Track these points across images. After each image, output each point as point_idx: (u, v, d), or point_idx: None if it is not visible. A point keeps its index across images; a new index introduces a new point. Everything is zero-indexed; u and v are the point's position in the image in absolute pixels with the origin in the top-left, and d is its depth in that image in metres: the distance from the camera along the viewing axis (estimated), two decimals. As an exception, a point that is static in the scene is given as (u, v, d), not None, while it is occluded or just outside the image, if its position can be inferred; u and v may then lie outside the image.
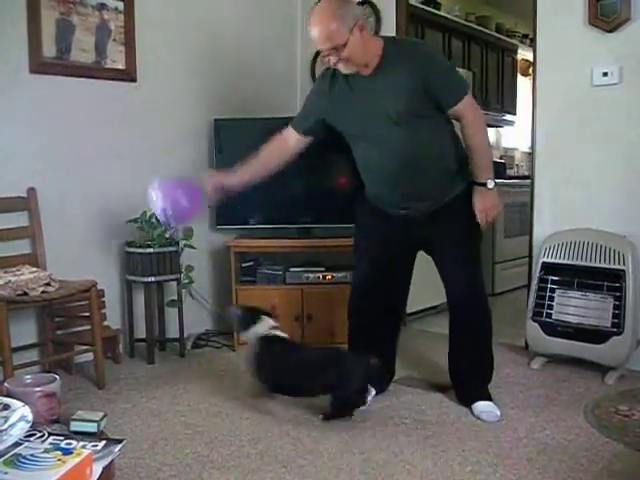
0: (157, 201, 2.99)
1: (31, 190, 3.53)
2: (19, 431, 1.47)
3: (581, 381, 3.40)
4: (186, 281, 3.99)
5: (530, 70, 6.21)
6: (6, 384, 1.85)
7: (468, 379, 3.09)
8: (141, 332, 3.90)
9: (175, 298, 3.95)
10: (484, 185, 2.86)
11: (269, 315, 3.17)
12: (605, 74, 3.55)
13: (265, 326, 3.08)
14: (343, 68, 2.74)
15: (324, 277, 4.12)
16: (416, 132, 2.76)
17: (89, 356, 3.51)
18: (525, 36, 6.81)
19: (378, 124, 2.77)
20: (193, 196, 3.03)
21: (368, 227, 3.05)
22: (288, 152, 3.06)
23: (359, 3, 4.51)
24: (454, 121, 2.90)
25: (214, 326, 4.45)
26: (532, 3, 3.81)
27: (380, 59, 2.75)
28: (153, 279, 3.80)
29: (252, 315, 3.13)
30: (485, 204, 2.88)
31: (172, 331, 4.03)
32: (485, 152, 2.89)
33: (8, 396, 1.68)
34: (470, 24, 5.98)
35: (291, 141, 3.04)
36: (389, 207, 2.96)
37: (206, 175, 3.06)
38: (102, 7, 3.79)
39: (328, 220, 4.19)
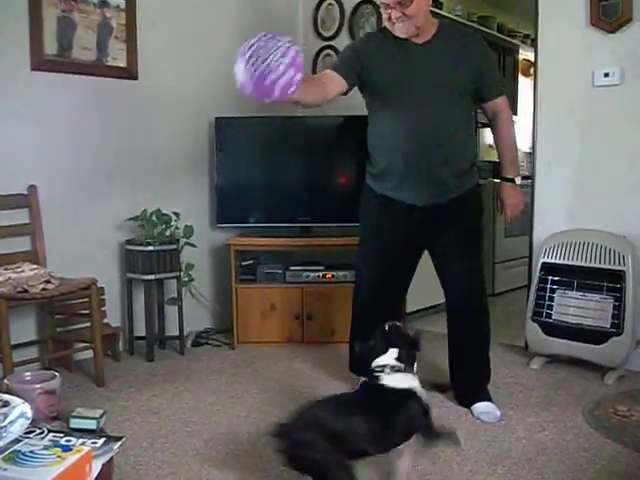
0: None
1: (32, 187, 3.53)
2: (19, 428, 1.47)
3: (580, 381, 3.40)
4: (186, 279, 3.99)
5: (531, 70, 6.20)
6: (6, 381, 1.85)
7: (468, 380, 3.09)
8: (141, 330, 3.90)
9: (175, 296, 3.95)
10: (512, 181, 2.98)
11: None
12: (606, 75, 3.54)
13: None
14: (400, 27, 2.73)
15: (324, 276, 4.13)
16: (450, 111, 2.80)
17: (89, 353, 3.51)
18: (526, 36, 6.80)
19: (420, 92, 2.77)
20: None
21: (375, 227, 3.04)
22: (325, 95, 2.72)
23: (361, 2, 4.53)
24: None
25: (214, 324, 4.45)
26: (534, 3, 3.81)
27: (435, 33, 2.81)
28: (153, 277, 3.80)
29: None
30: (513, 200, 3.00)
31: (172, 329, 4.03)
32: (515, 148, 3.04)
33: (8, 393, 1.68)
34: (472, 24, 5.97)
35: (329, 85, 2.75)
36: (398, 190, 2.91)
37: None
38: (103, 5, 3.79)
39: (328, 219, 4.19)
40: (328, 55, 4.73)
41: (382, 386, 2.15)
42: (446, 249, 2.98)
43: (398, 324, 2.38)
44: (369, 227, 3.08)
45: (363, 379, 2.37)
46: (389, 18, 2.73)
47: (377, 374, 2.18)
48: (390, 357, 2.23)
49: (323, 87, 2.73)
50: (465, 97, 2.86)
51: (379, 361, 2.23)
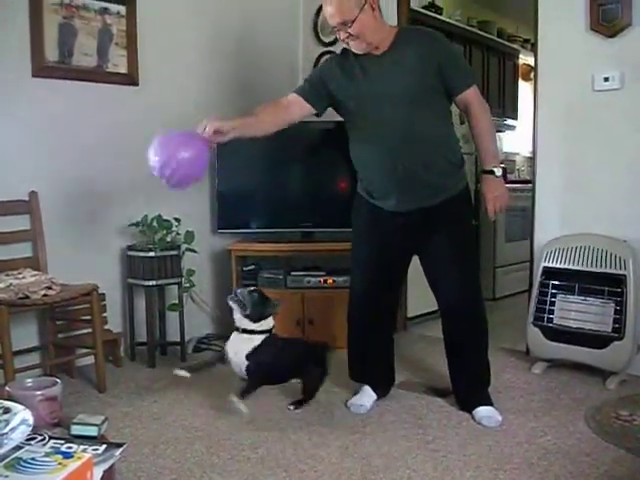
0: (157, 157, 2.62)
1: (33, 193, 3.54)
2: (20, 435, 1.47)
3: (582, 386, 3.40)
4: (187, 285, 3.99)
5: (531, 75, 6.21)
6: (7, 387, 1.85)
7: (468, 385, 3.08)
8: (142, 336, 3.90)
9: (176, 302, 3.96)
10: (492, 173, 2.89)
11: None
12: (606, 79, 3.55)
13: (272, 321, 3.07)
14: (353, 46, 2.78)
15: (325, 281, 4.13)
16: (420, 113, 2.79)
17: (90, 359, 3.51)
18: (526, 41, 6.82)
19: (384, 102, 2.77)
20: (197, 151, 2.66)
21: (365, 233, 3.05)
22: (286, 117, 2.94)
23: (360, 8, 4.52)
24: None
25: (215, 330, 4.45)
26: (533, 8, 3.82)
27: (393, 41, 2.81)
28: (154, 283, 3.80)
29: (265, 305, 3.06)
30: (493, 192, 2.90)
31: (173, 335, 4.03)
32: (492, 138, 2.93)
33: (9, 399, 1.68)
34: (472, 29, 5.99)
35: (292, 107, 2.94)
36: (384, 199, 2.92)
37: (204, 121, 2.74)
38: (104, 11, 3.80)
39: (329, 224, 4.19)
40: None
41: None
42: (435, 254, 2.96)
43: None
44: (359, 233, 3.09)
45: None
46: (340, 38, 2.79)
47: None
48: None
49: (281, 112, 2.93)
50: (433, 97, 2.82)
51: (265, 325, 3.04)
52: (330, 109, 3.02)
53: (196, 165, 2.63)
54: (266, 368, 2.96)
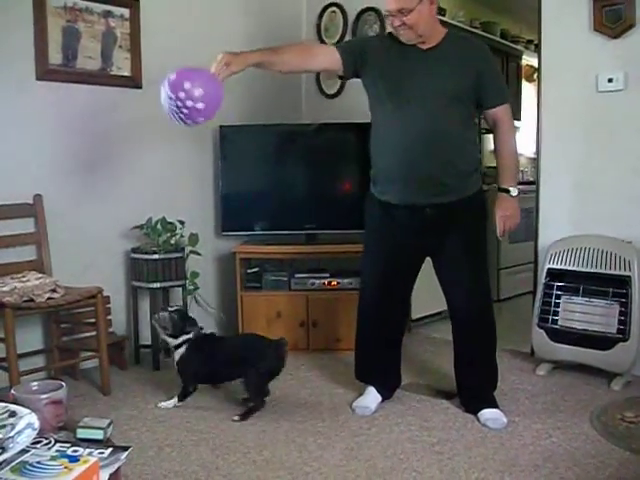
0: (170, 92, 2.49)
1: (37, 197, 3.54)
2: (26, 438, 1.47)
3: (587, 388, 3.39)
4: (191, 287, 4.00)
5: (535, 76, 6.19)
6: (13, 391, 1.85)
7: (474, 387, 3.08)
8: (146, 338, 3.90)
9: (180, 304, 3.95)
10: (507, 192, 2.92)
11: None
12: (610, 80, 3.54)
13: (195, 331, 3.23)
14: (403, 35, 2.78)
15: (329, 283, 4.12)
16: (448, 115, 2.81)
17: (95, 362, 3.51)
18: (529, 42, 6.80)
19: (417, 95, 2.80)
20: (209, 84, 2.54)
21: (378, 233, 3.04)
22: (308, 64, 2.94)
23: (365, 10, 4.53)
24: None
25: (219, 332, 4.45)
26: (537, 9, 3.82)
27: (441, 40, 2.84)
28: (158, 285, 3.80)
29: (185, 323, 3.24)
30: (506, 211, 2.93)
31: (177, 337, 4.02)
32: (514, 160, 3.00)
33: (15, 403, 1.67)
34: (475, 30, 5.98)
35: (319, 56, 2.93)
36: (393, 189, 2.92)
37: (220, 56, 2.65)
38: (108, 14, 3.81)
39: (333, 226, 4.19)
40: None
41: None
42: (448, 255, 2.97)
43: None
44: (372, 234, 3.08)
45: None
46: (392, 25, 2.79)
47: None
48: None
49: (307, 55, 2.90)
50: (465, 103, 2.86)
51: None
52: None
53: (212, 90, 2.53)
54: (194, 372, 3.18)
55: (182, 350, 3.18)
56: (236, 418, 3.02)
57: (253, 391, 3.11)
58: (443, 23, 3.03)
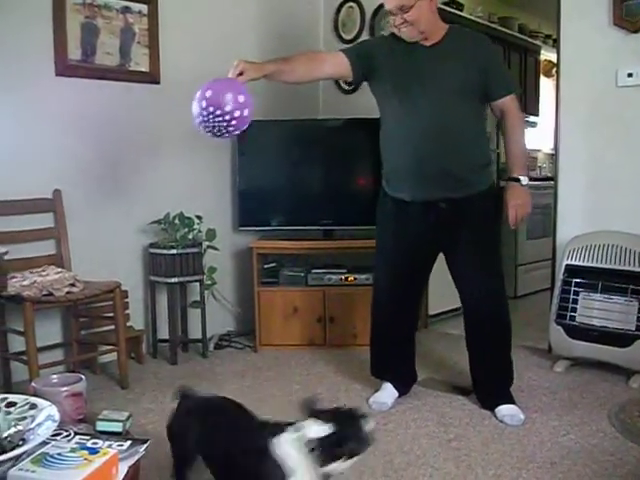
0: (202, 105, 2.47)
1: (56, 192, 3.57)
2: (46, 430, 1.49)
3: (605, 385, 3.37)
4: (209, 282, 4.01)
5: (553, 71, 6.15)
6: (33, 384, 1.88)
7: (490, 383, 3.08)
8: (164, 333, 3.93)
9: (198, 299, 3.97)
10: (518, 180, 2.90)
11: None
12: (630, 75, 3.51)
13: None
14: (405, 32, 2.79)
15: (346, 279, 4.12)
16: (456, 110, 2.82)
17: (113, 356, 3.54)
18: (548, 37, 6.76)
19: (424, 92, 2.81)
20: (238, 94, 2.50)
21: (390, 230, 3.04)
22: (317, 72, 2.95)
23: (381, 5, 4.52)
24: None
25: (236, 327, 4.47)
26: (556, 4, 3.79)
27: (444, 36, 2.85)
28: (176, 280, 3.82)
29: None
30: (517, 200, 2.91)
31: (195, 332, 4.05)
32: (523, 148, 2.98)
33: (35, 395, 1.70)
34: (493, 25, 5.95)
35: (327, 63, 2.93)
36: (404, 186, 2.93)
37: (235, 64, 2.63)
38: (126, 10, 3.82)
39: (350, 222, 4.19)
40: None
41: None
42: (462, 251, 2.96)
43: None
44: (385, 231, 3.08)
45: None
46: (394, 24, 2.79)
47: None
48: None
49: (316, 62, 2.91)
50: (472, 97, 2.86)
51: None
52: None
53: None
54: None
55: None
56: None
57: None
58: (460, 19, 3.02)
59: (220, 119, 2.43)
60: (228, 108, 2.42)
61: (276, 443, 1.83)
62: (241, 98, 2.45)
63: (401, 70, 2.86)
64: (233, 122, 2.45)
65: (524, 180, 2.91)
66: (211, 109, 2.43)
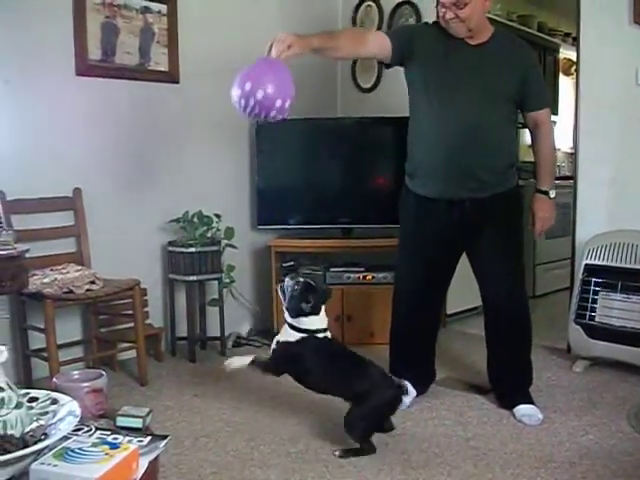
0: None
1: (76, 190, 3.60)
2: (67, 425, 1.50)
3: (624, 385, 3.35)
4: (227, 280, 4.03)
5: (572, 69, 6.11)
6: (55, 379, 1.89)
7: (509, 384, 3.07)
8: (183, 330, 3.95)
9: (216, 297, 3.99)
10: (546, 194, 2.97)
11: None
12: (651, 73, 3.49)
13: (322, 322, 2.66)
14: (454, 27, 2.78)
15: (364, 277, 4.12)
16: (492, 113, 2.84)
17: (132, 353, 3.56)
18: (567, 35, 6.71)
19: (464, 90, 2.80)
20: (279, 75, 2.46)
21: (414, 228, 3.04)
22: (361, 51, 2.91)
23: (400, 4, 4.52)
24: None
25: (254, 325, 4.48)
26: (575, 1, 3.76)
27: (489, 38, 2.85)
28: (195, 278, 3.84)
29: (306, 300, 2.62)
30: (544, 212, 2.99)
31: (213, 330, 4.07)
32: (553, 162, 3.07)
33: (57, 391, 1.71)
34: (512, 23, 5.92)
35: (372, 44, 2.88)
36: (429, 182, 2.92)
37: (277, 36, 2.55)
38: (146, 10, 3.85)
39: (369, 220, 4.20)
40: (367, 57, 4.73)
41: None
42: (485, 250, 2.97)
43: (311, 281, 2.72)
44: (408, 228, 3.08)
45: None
46: (443, 17, 2.77)
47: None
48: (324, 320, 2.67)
49: (360, 41, 2.87)
50: (508, 103, 2.87)
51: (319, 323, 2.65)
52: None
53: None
54: (291, 367, 2.67)
55: (293, 337, 2.64)
56: (337, 453, 2.59)
57: (359, 429, 2.59)
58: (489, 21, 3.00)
59: (258, 109, 2.40)
60: (273, 104, 2.39)
61: None
62: (284, 94, 2.41)
63: (442, 64, 2.84)
64: (272, 113, 2.42)
65: (552, 193, 2.98)
66: (252, 103, 2.38)
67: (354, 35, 2.95)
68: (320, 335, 2.64)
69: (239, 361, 2.71)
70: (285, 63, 2.50)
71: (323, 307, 2.66)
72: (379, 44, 2.87)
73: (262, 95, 2.36)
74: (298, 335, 2.64)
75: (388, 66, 3.00)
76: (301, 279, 2.71)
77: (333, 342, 2.73)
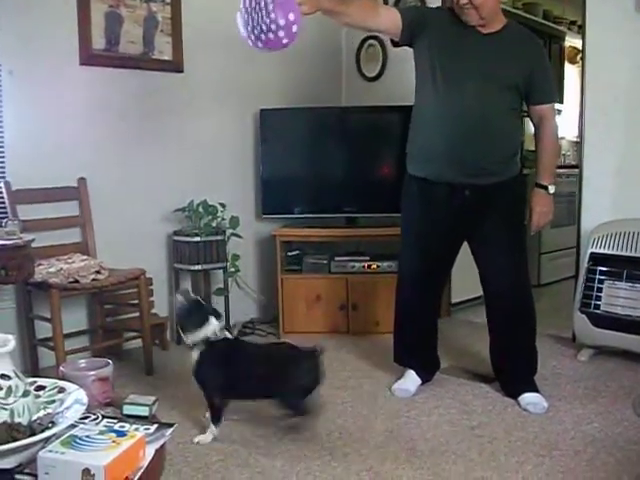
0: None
1: (81, 180, 3.60)
2: (74, 413, 1.51)
3: (629, 373, 3.35)
4: (232, 270, 4.04)
5: (578, 58, 6.08)
6: (61, 368, 1.90)
7: (515, 371, 3.07)
8: (188, 320, 3.95)
9: (221, 286, 4.00)
10: (545, 188, 2.94)
11: (216, 314, 2.69)
12: (657, 61, 3.47)
13: (212, 329, 2.61)
14: (466, 14, 2.77)
15: (369, 266, 4.13)
16: (497, 101, 2.83)
17: (137, 343, 3.58)
18: (573, 23, 6.68)
19: (472, 77, 2.80)
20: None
21: (416, 216, 3.04)
22: (371, 23, 2.90)
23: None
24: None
25: (259, 314, 4.49)
26: (582, -11, 3.75)
27: (501, 29, 2.85)
28: (200, 267, 3.85)
29: (201, 314, 2.63)
30: (542, 207, 2.96)
31: (218, 319, 4.07)
32: (554, 157, 3.05)
33: (64, 379, 1.72)
34: (517, 11, 5.89)
35: (383, 18, 2.88)
36: (437, 173, 2.90)
37: None
38: (149, -1, 3.84)
39: (373, 209, 4.19)
40: (371, 45, 4.71)
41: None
42: (487, 238, 2.96)
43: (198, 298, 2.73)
44: (410, 217, 3.08)
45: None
46: (457, 2, 2.76)
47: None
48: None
49: (372, 12, 2.86)
50: (513, 92, 2.86)
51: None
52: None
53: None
54: (215, 384, 2.62)
55: (195, 354, 2.63)
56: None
57: (292, 409, 2.68)
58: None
59: (268, 22, 2.37)
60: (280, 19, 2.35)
61: None
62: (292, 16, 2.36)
63: (451, 49, 2.84)
64: (281, 33, 2.38)
65: (551, 189, 2.96)
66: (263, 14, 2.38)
67: (367, 5, 2.91)
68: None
69: (205, 438, 2.65)
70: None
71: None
72: (390, 19, 2.87)
73: (273, 6, 2.33)
74: (197, 350, 2.63)
75: (397, 44, 2.99)
76: (190, 295, 2.70)
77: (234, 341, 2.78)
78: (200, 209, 3.87)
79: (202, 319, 2.60)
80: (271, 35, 2.41)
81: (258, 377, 2.62)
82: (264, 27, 2.40)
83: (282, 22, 2.36)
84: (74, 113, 3.60)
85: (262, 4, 2.39)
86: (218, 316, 2.67)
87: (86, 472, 1.32)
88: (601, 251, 3.54)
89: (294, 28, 2.38)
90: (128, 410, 1.80)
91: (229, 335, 2.73)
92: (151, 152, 3.91)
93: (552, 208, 2.99)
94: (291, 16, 2.35)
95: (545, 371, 3.28)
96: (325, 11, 2.72)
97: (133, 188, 3.84)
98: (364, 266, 4.13)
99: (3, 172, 3.38)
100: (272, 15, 2.36)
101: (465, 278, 3.76)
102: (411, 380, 3.16)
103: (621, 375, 3.34)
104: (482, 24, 2.80)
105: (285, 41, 2.41)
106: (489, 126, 2.82)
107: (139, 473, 1.42)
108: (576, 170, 3.98)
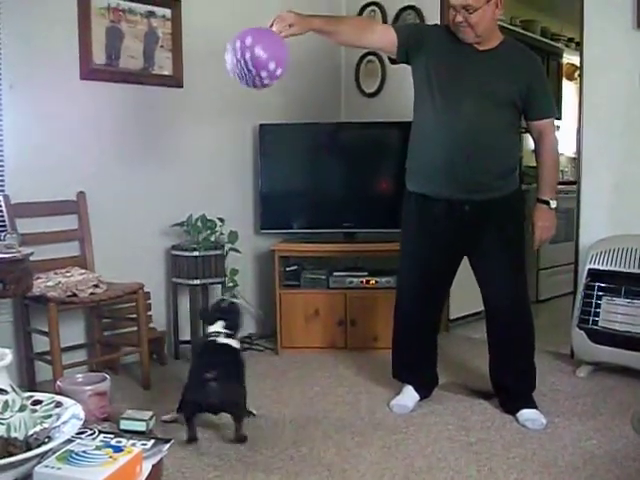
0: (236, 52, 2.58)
1: (80, 194, 3.61)
2: (71, 428, 1.51)
3: (628, 390, 3.35)
4: (231, 284, 4.03)
5: (576, 74, 6.12)
6: (59, 382, 1.90)
7: (513, 387, 3.06)
8: (186, 334, 3.95)
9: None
10: (547, 203, 2.96)
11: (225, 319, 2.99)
12: (654, 78, 3.49)
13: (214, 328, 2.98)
14: (462, 32, 2.79)
15: (367, 282, 4.12)
16: (495, 118, 2.84)
17: (135, 357, 3.56)
18: (570, 40, 6.72)
19: (469, 94, 2.81)
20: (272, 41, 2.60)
21: (415, 232, 3.04)
22: (365, 40, 2.93)
23: (403, 8, 4.52)
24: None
25: (258, 329, 4.48)
26: (579, 6, 3.77)
27: (497, 45, 2.86)
28: (198, 282, 3.85)
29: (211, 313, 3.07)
30: (544, 222, 2.97)
31: (216, 334, 4.06)
32: (555, 172, 3.04)
33: (60, 394, 1.72)
34: (515, 28, 5.92)
35: (377, 35, 2.91)
36: (436, 190, 2.91)
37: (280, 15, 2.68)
38: (150, 15, 3.86)
39: (372, 225, 4.20)
40: (371, 61, 4.73)
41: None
42: (486, 254, 2.97)
43: (233, 301, 3.16)
44: (409, 230, 3.08)
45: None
46: (453, 20, 2.78)
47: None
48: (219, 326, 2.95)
49: (365, 30, 2.90)
50: (512, 109, 2.88)
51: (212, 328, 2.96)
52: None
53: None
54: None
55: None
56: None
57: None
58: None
59: (251, 64, 2.51)
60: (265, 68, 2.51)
61: None
62: (278, 64, 2.52)
63: (449, 66, 2.85)
64: (263, 73, 2.52)
65: (553, 204, 2.97)
66: (245, 62, 2.51)
67: (360, 23, 2.95)
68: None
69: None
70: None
71: None
72: (386, 37, 2.89)
73: (259, 51, 2.47)
74: None
75: (394, 61, 3.01)
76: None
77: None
78: (199, 223, 3.87)
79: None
80: (260, 84, 2.60)
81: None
82: (256, 81, 2.58)
83: (264, 74, 2.52)
84: (74, 127, 3.61)
85: (245, 70, 2.55)
86: (226, 320, 2.97)
87: (82, 487, 1.32)
88: (599, 267, 3.54)
89: (278, 72, 2.54)
90: (125, 425, 1.80)
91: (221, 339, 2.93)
92: (150, 166, 3.92)
93: (554, 222, 3.00)
94: (271, 65, 2.51)
95: (544, 387, 3.28)
96: (316, 31, 2.76)
97: (132, 202, 3.85)
98: (362, 281, 4.12)
99: (2, 185, 3.38)
100: (253, 72, 2.53)
101: (464, 294, 3.76)
102: (409, 396, 3.15)
103: (620, 391, 3.33)
104: (478, 41, 2.82)
105: (274, 81, 2.59)
106: (487, 142, 2.83)
107: (136, 489, 1.42)
108: (574, 186, 3.99)
